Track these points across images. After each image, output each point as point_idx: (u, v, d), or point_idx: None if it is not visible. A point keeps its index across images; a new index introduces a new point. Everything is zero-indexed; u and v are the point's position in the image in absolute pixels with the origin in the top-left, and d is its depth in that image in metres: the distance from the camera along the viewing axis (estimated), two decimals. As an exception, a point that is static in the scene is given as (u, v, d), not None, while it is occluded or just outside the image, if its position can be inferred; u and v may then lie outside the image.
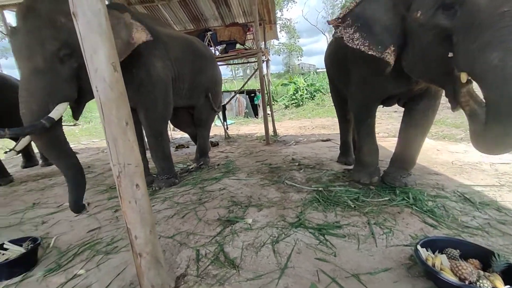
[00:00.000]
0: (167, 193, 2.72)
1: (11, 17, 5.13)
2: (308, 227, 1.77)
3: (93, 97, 2.42)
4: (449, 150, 3.48)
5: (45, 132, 1.82)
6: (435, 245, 1.29)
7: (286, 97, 13.49)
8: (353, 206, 2.02)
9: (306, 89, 13.42)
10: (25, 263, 1.56)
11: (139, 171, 0.88)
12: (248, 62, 6.08)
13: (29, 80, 1.80)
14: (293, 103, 13.14)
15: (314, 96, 13.36)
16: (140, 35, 2.23)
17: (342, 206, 2.05)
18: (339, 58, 2.61)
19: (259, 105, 12.69)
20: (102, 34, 0.78)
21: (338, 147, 4.12)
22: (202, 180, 3.02)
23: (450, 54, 1.39)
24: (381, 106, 2.44)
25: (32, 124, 1.73)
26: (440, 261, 1.16)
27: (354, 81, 2.31)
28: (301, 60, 33.41)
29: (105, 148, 6.34)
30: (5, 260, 1.51)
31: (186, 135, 7.63)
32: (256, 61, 5.90)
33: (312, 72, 19.31)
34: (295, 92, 13.39)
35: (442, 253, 1.24)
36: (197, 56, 3.30)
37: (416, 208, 1.90)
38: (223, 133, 6.69)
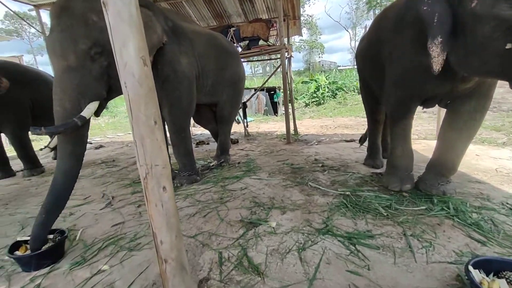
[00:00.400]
0: (189, 190, 2.70)
1: (46, 16, 5.39)
2: (336, 234, 1.66)
3: (118, 96, 2.49)
4: (490, 156, 3.17)
5: (75, 130, 1.83)
6: (489, 266, 1.13)
7: (306, 95, 13.22)
8: (385, 214, 1.87)
9: (327, 87, 13.08)
10: (53, 255, 1.58)
11: (166, 172, 0.82)
12: (270, 59, 5.95)
13: (62, 79, 1.82)
14: (313, 101, 12.85)
15: (336, 94, 12.98)
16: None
17: (373, 213, 1.90)
18: (373, 53, 2.44)
19: (278, 103, 12.54)
20: (132, 25, 0.72)
21: (365, 148, 3.93)
22: (223, 178, 2.98)
23: (509, 46, 1.23)
24: (420, 107, 2.24)
25: (66, 122, 1.74)
26: (498, 287, 1.01)
27: (390, 78, 2.13)
28: (322, 57, 32.66)
29: (129, 142, 6.54)
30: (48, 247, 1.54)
31: (206, 132, 7.68)
32: (278, 58, 5.78)
33: (334, 70, 18.75)
34: (316, 90, 13.09)
35: (499, 277, 1.09)
36: (221, 52, 3.25)
37: (459, 220, 1.72)
38: (243, 131, 6.64)
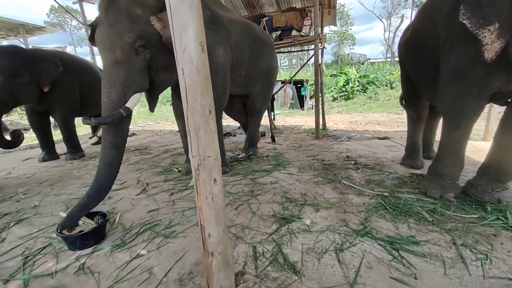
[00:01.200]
0: (218, 181, 2.72)
1: (88, 9, 5.66)
2: (376, 237, 1.56)
3: (163, 90, 2.53)
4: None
5: (120, 120, 1.90)
6: None
7: (335, 88, 12.75)
8: (430, 219, 1.73)
9: (358, 81, 12.50)
10: (96, 237, 1.67)
11: (217, 164, 0.80)
12: (302, 50, 5.77)
13: (110, 72, 1.89)
14: (342, 96, 12.39)
15: (367, 89, 12.39)
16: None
17: (415, 217, 1.77)
18: (421, 42, 2.23)
19: (305, 96, 12.24)
20: (193, 8, 0.69)
21: (401, 147, 3.70)
22: (252, 171, 2.96)
23: None
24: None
25: (113, 113, 1.82)
26: None
27: (447, 71, 1.89)
28: (353, 49, 31.20)
29: (159, 131, 6.76)
30: (80, 231, 1.64)
31: (232, 123, 7.73)
32: (310, 49, 5.58)
33: (365, 63, 17.83)
34: (345, 84, 12.58)
35: None
36: (256, 42, 3.18)
37: (519, 232, 1.54)
38: (269, 124, 6.57)
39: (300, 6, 5.10)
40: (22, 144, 5.33)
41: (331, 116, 8.45)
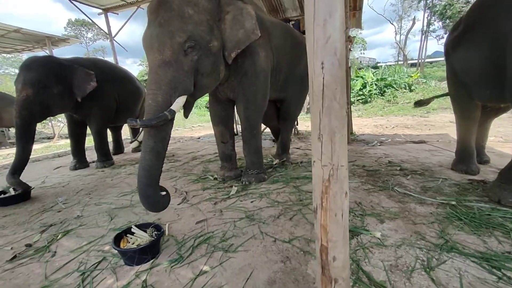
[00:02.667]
0: (260, 189, 2.60)
1: (112, 20, 5.75)
2: (466, 253, 1.39)
3: (202, 95, 2.45)
4: None
5: (165, 123, 1.81)
6: None
7: (352, 92, 12.51)
8: (519, 232, 1.54)
9: (375, 84, 12.24)
10: (152, 251, 1.57)
11: (347, 175, 0.67)
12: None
13: (157, 73, 1.82)
14: (359, 99, 12.14)
15: (384, 92, 12.11)
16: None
17: (501, 230, 1.58)
18: (477, 38, 2.09)
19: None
20: (341, -8, 0.59)
21: (444, 151, 3.50)
22: (292, 178, 2.83)
23: None
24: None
25: (158, 116, 1.73)
26: None
27: None
28: (364, 53, 30.89)
29: (180, 137, 6.71)
30: (138, 246, 1.54)
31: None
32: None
33: (382, 66, 17.49)
34: (362, 88, 12.33)
35: None
36: (295, 45, 3.10)
37: None
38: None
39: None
40: (50, 153, 5.41)
41: (353, 120, 8.22)
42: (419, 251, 1.45)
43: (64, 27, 38.67)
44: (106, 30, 6.05)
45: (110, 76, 3.86)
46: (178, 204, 2.39)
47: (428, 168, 2.91)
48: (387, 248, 1.50)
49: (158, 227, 1.70)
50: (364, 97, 12.00)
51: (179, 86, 1.88)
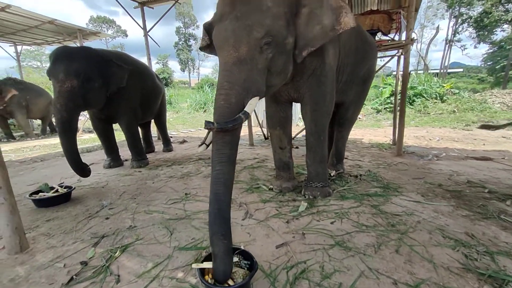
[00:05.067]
0: (331, 206, 2.26)
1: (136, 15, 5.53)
2: None
3: (266, 95, 2.04)
4: None
5: (238, 127, 1.55)
6: None
7: (379, 100, 12.04)
8: None
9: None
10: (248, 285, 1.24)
11: None
12: (385, 56, 5.29)
13: (231, 71, 1.59)
14: (386, 108, 11.64)
15: (414, 101, 11.56)
16: (349, 20, 1.87)
17: None
18: None
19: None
20: None
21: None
22: (362, 195, 2.47)
23: None
24: None
25: (235, 118, 1.48)
26: None
27: None
28: (383, 60, 30.23)
29: (194, 138, 6.37)
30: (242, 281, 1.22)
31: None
32: (389, 56, 5.11)
33: (412, 74, 16.87)
34: (390, 96, 11.82)
35: None
36: (362, 43, 2.76)
37: None
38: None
39: (378, 8, 4.64)
40: (78, 147, 5.19)
41: (386, 130, 7.79)
42: None
43: (86, 24, 39.68)
44: (141, 25, 5.86)
45: (135, 70, 3.60)
46: (243, 220, 2.07)
47: (521, 191, 2.50)
48: None
49: (246, 255, 1.38)
50: (392, 105, 11.48)
51: (253, 87, 1.65)
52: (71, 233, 1.92)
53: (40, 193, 2.46)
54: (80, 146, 5.71)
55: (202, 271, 1.28)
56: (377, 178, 2.98)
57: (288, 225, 1.95)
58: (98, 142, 6.50)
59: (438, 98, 11.54)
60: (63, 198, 2.48)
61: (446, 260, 1.48)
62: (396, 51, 4.85)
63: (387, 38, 4.35)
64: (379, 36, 4.31)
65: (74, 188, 2.63)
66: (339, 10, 1.87)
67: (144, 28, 5.88)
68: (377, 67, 6.86)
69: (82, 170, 2.77)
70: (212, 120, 1.45)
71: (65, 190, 2.55)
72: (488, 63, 20.25)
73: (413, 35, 3.83)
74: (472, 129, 7.16)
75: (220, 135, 1.47)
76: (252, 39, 1.63)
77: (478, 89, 16.22)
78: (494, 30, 17.74)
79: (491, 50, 19.40)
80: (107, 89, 3.15)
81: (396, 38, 4.32)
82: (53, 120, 9.04)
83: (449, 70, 30.71)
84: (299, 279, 1.36)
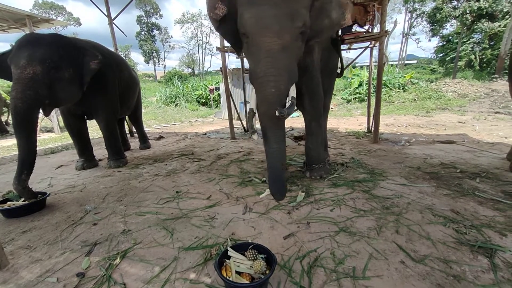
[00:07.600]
0: (326, 194, 2.32)
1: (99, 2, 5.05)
2: None
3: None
4: None
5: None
6: None
7: (349, 90, 12.59)
8: None
9: (372, 84, 12.37)
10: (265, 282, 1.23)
11: None
12: (361, 47, 5.47)
13: (277, 58, 1.67)
14: (355, 98, 12.23)
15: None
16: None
17: None
18: None
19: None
20: None
21: (484, 152, 3.47)
22: (351, 181, 2.58)
23: None
24: None
25: (292, 103, 1.72)
26: None
27: None
28: (349, 52, 31.56)
29: (183, 133, 6.18)
30: (259, 279, 1.19)
31: (299, 125, 7.27)
32: (362, 47, 5.31)
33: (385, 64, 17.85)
34: (358, 86, 12.43)
35: None
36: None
37: None
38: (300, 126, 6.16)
39: (354, 1, 4.76)
40: (39, 148, 4.70)
41: (358, 118, 8.20)
42: None
43: (30, 9, 35.23)
44: (105, 12, 5.35)
45: (111, 62, 3.31)
46: (243, 214, 2.04)
47: (485, 170, 2.80)
48: (545, 269, 1.29)
49: (260, 249, 1.36)
50: (360, 95, 12.11)
51: (293, 74, 1.80)
52: (56, 243, 1.72)
53: (9, 202, 2.17)
54: (41, 147, 5.16)
55: (221, 269, 1.23)
56: (361, 165, 3.13)
57: (290, 215, 1.97)
58: (60, 142, 5.92)
59: (401, 88, 12.40)
60: (37, 206, 2.21)
61: (441, 236, 1.61)
62: (368, 43, 5.07)
63: (362, 30, 4.50)
64: (354, 28, 4.45)
65: (49, 194, 2.36)
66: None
67: (109, 15, 5.39)
68: (349, 60, 7.08)
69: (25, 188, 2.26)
70: (250, 106, 1.92)
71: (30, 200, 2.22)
72: (439, 55, 22.20)
73: (386, 28, 4.00)
74: (432, 116, 7.84)
75: (277, 121, 1.76)
76: (294, 28, 1.70)
77: (432, 79, 17.78)
78: (444, 25, 19.46)
79: (441, 44, 21.29)
80: (81, 82, 2.81)
81: (370, 30, 4.51)
82: (9, 119, 8.04)
83: (405, 62, 33.09)
84: (314, 267, 1.38)
